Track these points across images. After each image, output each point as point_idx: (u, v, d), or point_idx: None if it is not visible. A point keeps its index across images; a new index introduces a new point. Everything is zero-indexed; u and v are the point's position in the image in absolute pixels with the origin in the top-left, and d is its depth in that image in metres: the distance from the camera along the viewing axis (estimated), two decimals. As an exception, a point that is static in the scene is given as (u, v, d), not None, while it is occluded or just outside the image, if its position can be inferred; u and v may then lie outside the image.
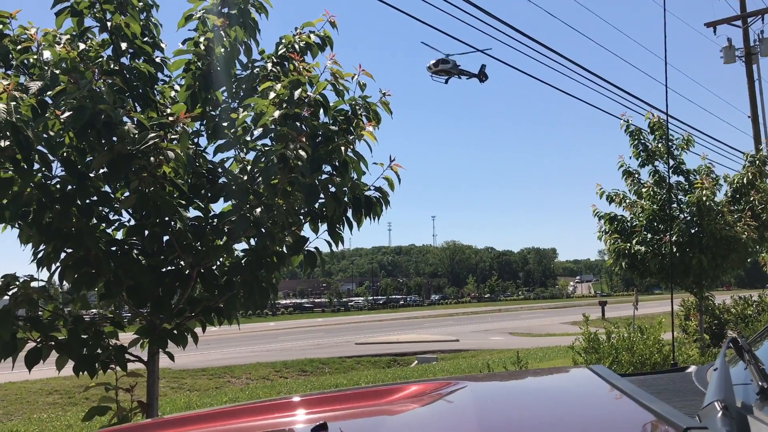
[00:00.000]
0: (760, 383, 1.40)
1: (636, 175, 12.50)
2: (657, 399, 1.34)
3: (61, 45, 4.18)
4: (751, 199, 11.88)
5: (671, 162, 12.20)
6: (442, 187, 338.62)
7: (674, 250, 11.35)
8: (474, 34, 10.24)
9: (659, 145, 12.10)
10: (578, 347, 8.96)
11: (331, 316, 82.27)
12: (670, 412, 1.22)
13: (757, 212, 11.73)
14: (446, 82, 44.01)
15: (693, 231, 11.48)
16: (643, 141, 12.22)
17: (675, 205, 12.01)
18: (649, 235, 11.82)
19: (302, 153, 3.85)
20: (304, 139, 3.90)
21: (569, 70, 12.84)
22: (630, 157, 12.45)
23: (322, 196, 4.26)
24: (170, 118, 3.72)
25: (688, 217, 11.67)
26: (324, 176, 4.25)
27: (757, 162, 12.18)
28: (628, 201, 12.38)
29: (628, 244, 11.91)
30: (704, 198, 11.17)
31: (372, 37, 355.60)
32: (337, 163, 4.23)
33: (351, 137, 4.30)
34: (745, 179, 12.01)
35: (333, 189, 4.16)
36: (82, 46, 4.25)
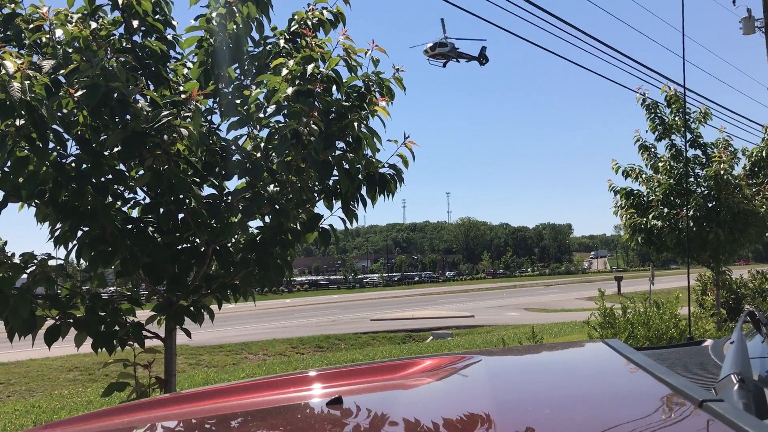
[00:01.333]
0: None
1: (652, 149, 12.40)
2: (673, 372, 1.33)
3: (73, 24, 4.18)
4: (771, 172, 11.75)
5: (688, 135, 12.06)
6: (457, 164, 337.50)
7: (691, 224, 11.26)
8: (486, 7, 10.10)
9: (676, 119, 11.97)
10: (594, 322, 8.96)
11: (347, 293, 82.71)
12: (687, 385, 1.21)
13: (776, 186, 11.60)
14: (444, 65, 43.18)
15: (710, 205, 11.37)
16: (659, 114, 12.09)
17: (692, 179, 11.90)
18: (666, 210, 11.74)
19: (315, 129, 3.84)
20: (317, 115, 3.88)
21: (584, 42, 12.66)
22: (646, 131, 12.34)
23: (335, 173, 4.26)
24: (183, 96, 3.71)
25: (706, 191, 11.57)
26: (337, 153, 4.24)
27: (778, 134, 12.02)
28: (644, 175, 12.29)
29: (645, 219, 11.84)
30: (722, 171, 11.06)
31: (385, 12, 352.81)
32: (350, 140, 4.21)
33: (364, 113, 4.28)
34: (764, 152, 11.86)
35: (346, 165, 4.15)
36: (93, 24, 4.24)
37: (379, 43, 4.66)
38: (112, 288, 5.17)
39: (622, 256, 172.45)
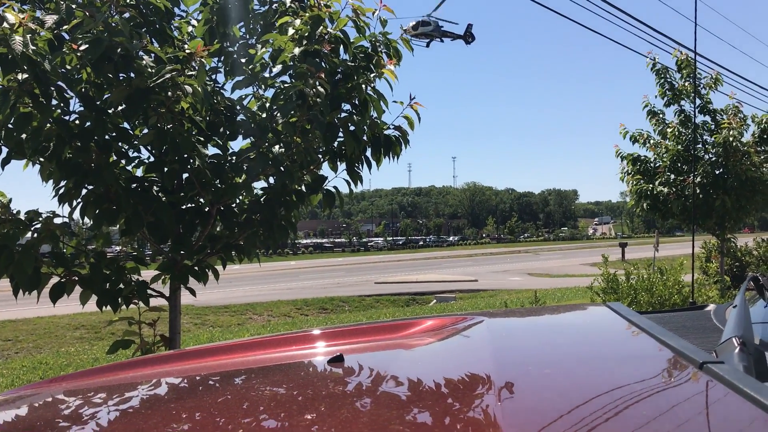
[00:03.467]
0: None
1: (661, 115, 12.27)
2: (674, 335, 1.33)
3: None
4: (780, 139, 11.64)
5: (698, 102, 11.92)
6: (463, 128, 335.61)
7: (697, 191, 11.20)
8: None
9: (686, 84, 11.82)
10: (597, 288, 8.98)
11: (351, 256, 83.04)
12: (687, 347, 1.21)
13: (785, 153, 11.51)
14: (427, 45, 42.14)
15: (717, 172, 11.30)
16: (669, 80, 11.93)
17: (700, 146, 11.81)
18: (673, 176, 11.67)
19: (321, 90, 3.80)
20: (323, 77, 3.84)
21: (593, 5, 12.48)
22: (655, 97, 12.20)
23: (341, 134, 4.23)
24: (187, 52, 3.66)
25: (713, 158, 11.48)
26: (343, 114, 4.20)
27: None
28: (652, 141, 12.18)
29: (651, 185, 11.77)
30: (731, 138, 10.96)
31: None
32: (357, 102, 4.17)
33: (372, 75, 4.23)
34: (774, 119, 11.74)
35: (352, 128, 4.12)
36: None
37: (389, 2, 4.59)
38: (117, 247, 5.19)
39: (627, 223, 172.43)
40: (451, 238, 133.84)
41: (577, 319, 1.89)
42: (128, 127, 4.23)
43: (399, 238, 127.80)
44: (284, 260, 71.20)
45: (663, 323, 1.73)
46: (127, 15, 4.29)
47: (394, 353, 1.62)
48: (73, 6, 3.85)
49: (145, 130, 4.06)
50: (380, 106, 4.27)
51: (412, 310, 22.35)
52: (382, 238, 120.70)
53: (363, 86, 4.07)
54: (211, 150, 4.55)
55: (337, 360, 1.43)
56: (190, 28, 4.50)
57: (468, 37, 42.55)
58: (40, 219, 4.02)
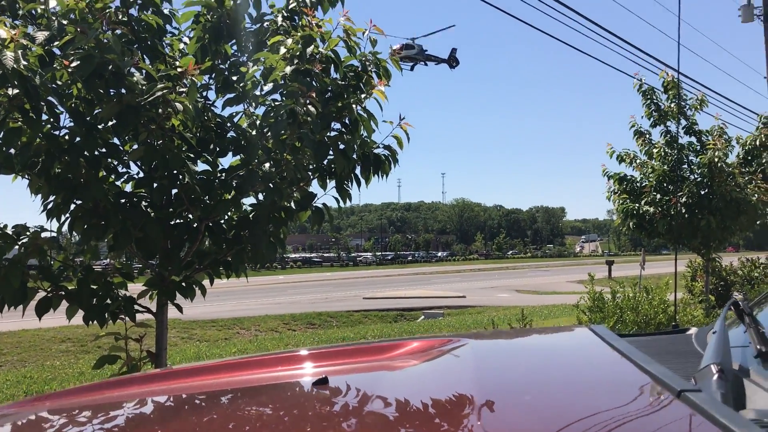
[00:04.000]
0: (758, 346, 1.41)
1: (647, 135, 12.40)
2: (653, 361, 1.36)
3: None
4: (764, 161, 11.78)
5: (683, 122, 12.07)
6: (453, 145, 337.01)
7: (683, 211, 11.31)
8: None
9: (672, 105, 11.97)
10: (583, 306, 9.02)
11: (340, 271, 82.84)
12: (666, 374, 1.23)
13: (769, 174, 11.65)
14: (411, 69, 42.01)
15: (703, 192, 11.42)
16: (655, 101, 12.08)
17: (686, 166, 11.94)
18: (659, 196, 11.78)
19: (312, 109, 3.84)
20: (314, 95, 3.87)
21: (581, 26, 12.63)
22: (642, 117, 12.35)
23: (331, 152, 4.26)
24: (179, 70, 3.69)
25: (699, 179, 11.60)
26: (334, 133, 4.24)
27: (771, 123, 12.04)
28: (638, 161, 12.30)
29: (637, 205, 11.88)
30: (716, 159, 11.08)
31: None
32: (347, 121, 4.21)
33: (363, 96, 4.27)
34: (758, 141, 11.89)
35: (342, 146, 4.15)
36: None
37: (377, 22, 4.65)
38: (105, 261, 5.18)
39: (614, 241, 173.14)
40: (439, 254, 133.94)
41: (560, 343, 1.91)
42: (118, 142, 4.25)
43: (388, 253, 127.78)
44: (273, 275, 70.93)
45: (644, 347, 1.76)
46: (119, 32, 4.33)
47: (379, 375, 1.64)
48: (65, 22, 3.88)
49: (136, 146, 4.07)
50: (370, 126, 4.31)
51: (400, 326, 22.30)
52: (371, 253, 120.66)
53: (354, 106, 4.11)
54: (202, 166, 4.58)
55: (321, 382, 1.45)
56: (181, 45, 4.53)
57: (452, 61, 42.43)
58: (28, 233, 4.02)
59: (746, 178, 11.64)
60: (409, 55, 40.88)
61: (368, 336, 18.39)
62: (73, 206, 4.01)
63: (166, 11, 4.67)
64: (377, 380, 1.57)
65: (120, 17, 4.38)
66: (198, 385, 1.67)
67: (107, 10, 4.30)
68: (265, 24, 4.88)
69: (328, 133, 4.22)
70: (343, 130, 4.22)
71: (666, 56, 13.54)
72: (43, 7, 4.06)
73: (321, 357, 1.88)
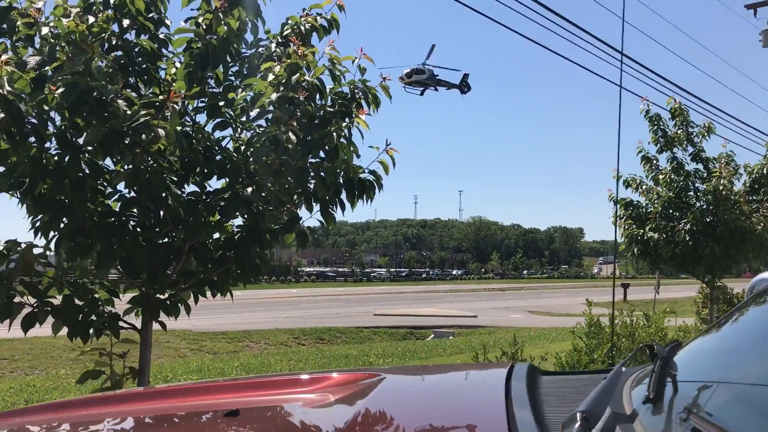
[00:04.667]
0: (647, 392, 1.46)
1: (654, 161, 12.38)
2: (527, 408, 1.40)
3: (71, 18, 4.27)
4: (770, 189, 11.71)
5: (690, 149, 12.03)
6: (470, 163, 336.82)
7: (687, 238, 11.26)
8: (495, 6, 10.15)
9: (679, 132, 11.95)
10: (579, 331, 9.03)
11: (353, 286, 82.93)
12: (526, 421, 1.29)
13: (775, 204, 11.56)
14: (422, 93, 41.32)
15: (708, 220, 11.36)
16: (662, 127, 12.06)
17: (692, 193, 11.89)
18: (663, 222, 11.74)
19: (292, 136, 3.94)
20: (295, 123, 3.98)
21: (598, 49, 12.69)
22: (648, 143, 12.32)
23: (312, 178, 4.36)
24: (161, 97, 3.82)
25: (704, 206, 11.55)
26: (316, 160, 4.33)
27: (778, 152, 11.97)
28: (644, 186, 12.28)
29: (642, 231, 11.84)
30: (721, 187, 11.04)
31: (385, 14, 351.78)
32: (328, 148, 4.30)
33: (344, 124, 4.37)
34: (765, 169, 11.82)
35: (323, 173, 4.25)
36: (92, 19, 4.34)
37: (379, 46, 4.77)
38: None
39: (631, 263, 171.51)
40: (454, 272, 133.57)
41: (459, 383, 1.97)
42: (111, 163, 4.37)
43: (402, 269, 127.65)
44: (286, 287, 71.17)
45: (564, 387, 1.82)
46: (113, 56, 4.47)
47: (289, 409, 1.72)
48: (63, 45, 4.01)
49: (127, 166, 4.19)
50: (350, 153, 4.40)
51: (407, 345, 22.31)
52: (385, 269, 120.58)
53: (335, 134, 4.20)
54: (192, 188, 4.69)
55: (232, 414, 1.52)
56: (173, 70, 4.66)
57: (464, 86, 41.87)
58: (19, 249, 4.15)
59: (753, 207, 11.57)
60: (419, 80, 40.31)
61: (371, 354, 18.42)
62: (62, 225, 4.13)
63: (162, 36, 4.82)
64: (287, 415, 1.64)
65: (114, 42, 4.53)
66: (122, 411, 1.75)
67: (103, 34, 4.46)
68: (261, 49, 5.01)
69: (311, 160, 4.31)
70: (324, 156, 4.31)
71: (675, 77, 13.52)
72: (45, 30, 4.21)
73: (239, 388, 1.96)
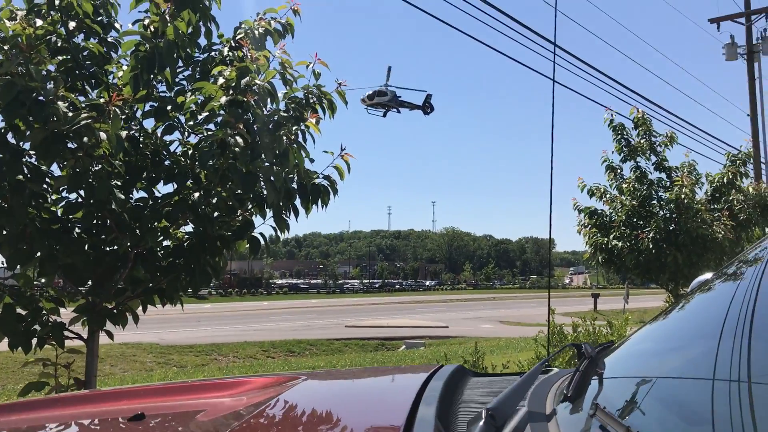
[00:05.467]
0: (564, 390, 1.43)
1: (618, 170, 12.50)
2: (434, 405, 1.36)
3: (17, 21, 4.17)
4: (731, 198, 11.87)
5: (654, 158, 12.18)
6: (443, 173, 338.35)
7: (650, 246, 11.36)
8: (471, 23, 10.21)
9: (642, 141, 12.10)
10: (542, 339, 9.03)
11: (326, 298, 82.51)
12: (427, 420, 1.24)
13: (735, 212, 11.72)
14: (384, 115, 41.08)
15: (670, 228, 11.48)
16: (626, 136, 12.20)
17: (655, 202, 12.02)
18: (627, 231, 11.84)
19: (239, 140, 3.87)
20: (242, 126, 3.91)
21: (566, 61, 12.83)
22: (612, 152, 12.44)
23: (263, 183, 4.29)
24: (101, 100, 3.73)
25: (667, 215, 11.68)
26: (266, 164, 4.26)
27: (738, 161, 12.15)
28: (608, 195, 12.38)
29: (606, 239, 11.93)
30: (682, 196, 11.17)
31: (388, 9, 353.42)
32: (277, 152, 4.24)
33: (294, 128, 4.31)
34: (725, 178, 12.00)
35: (272, 178, 4.18)
36: (39, 22, 4.24)
37: (363, 41, 4.73)
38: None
39: (602, 274, 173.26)
40: (428, 283, 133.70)
41: (380, 383, 1.93)
42: (55, 168, 4.26)
43: (376, 280, 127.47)
44: (257, 300, 70.59)
45: (488, 388, 1.77)
46: (60, 58, 4.37)
47: (199, 413, 1.65)
48: (7, 47, 3.90)
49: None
50: (301, 158, 4.34)
51: (376, 356, 22.19)
52: (358, 281, 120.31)
53: (284, 138, 4.14)
54: (141, 194, 4.59)
55: (137, 418, 1.46)
56: (120, 73, 4.57)
57: (427, 107, 41.67)
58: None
59: (715, 215, 11.71)
60: (381, 102, 39.88)
61: (338, 366, 18.27)
62: (4, 231, 4.00)
63: (111, 39, 4.73)
64: (193, 417, 1.58)
65: (62, 44, 4.43)
66: (30, 418, 1.67)
67: (49, 37, 4.35)
68: (214, 53, 4.94)
69: (262, 164, 4.24)
70: (273, 161, 4.25)
71: (640, 88, 13.72)
72: None
73: (156, 393, 1.89)
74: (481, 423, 1.16)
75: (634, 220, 11.99)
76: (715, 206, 12.02)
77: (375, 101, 40.15)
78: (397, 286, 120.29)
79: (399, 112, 41.93)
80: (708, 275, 2.31)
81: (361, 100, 40.35)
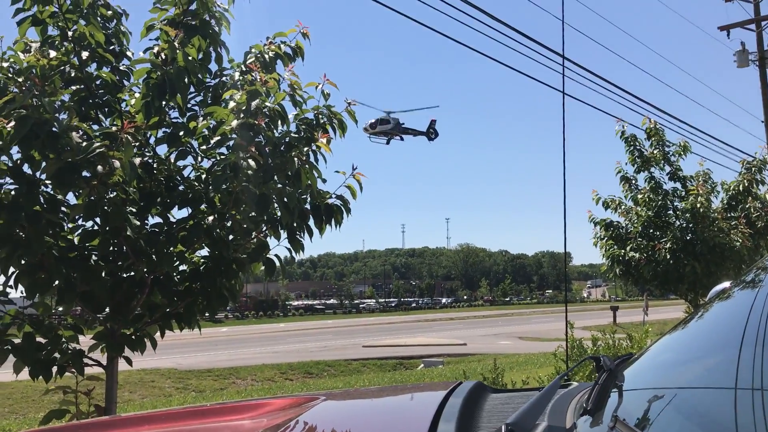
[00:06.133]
0: (584, 404, 1.42)
1: (633, 181, 12.45)
2: (455, 421, 1.36)
3: (31, 53, 4.24)
4: (747, 206, 11.78)
5: (668, 168, 12.11)
6: (457, 189, 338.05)
7: (668, 257, 11.27)
8: (480, 39, 10.25)
9: (655, 152, 12.04)
10: (561, 354, 8.96)
11: (342, 318, 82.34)
12: None
13: (753, 220, 11.62)
14: (387, 143, 40.55)
15: (687, 238, 11.40)
16: (638, 147, 12.15)
17: (671, 212, 11.94)
18: (644, 242, 11.77)
19: (252, 163, 3.90)
20: (254, 149, 3.94)
21: (575, 73, 12.83)
22: (625, 164, 12.40)
23: (276, 204, 4.31)
24: (113, 128, 3.77)
25: (683, 224, 11.60)
26: (279, 186, 4.29)
27: (753, 168, 12.07)
28: (623, 207, 12.32)
29: (623, 251, 11.85)
30: (698, 205, 11.09)
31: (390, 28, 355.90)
32: (290, 174, 4.26)
33: (306, 149, 4.34)
34: (741, 186, 11.91)
35: (286, 199, 4.20)
36: (53, 53, 4.31)
37: (373, 58, 4.77)
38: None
39: (620, 286, 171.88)
40: (444, 300, 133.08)
41: (400, 401, 1.92)
42: (71, 197, 4.30)
43: (391, 299, 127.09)
44: (273, 322, 70.61)
45: (506, 404, 1.76)
46: (73, 88, 4.43)
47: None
48: (20, 79, 3.96)
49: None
50: (314, 178, 4.36)
51: (394, 375, 22.08)
52: (374, 300, 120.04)
53: (296, 160, 4.16)
54: (156, 220, 4.62)
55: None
56: (132, 101, 4.63)
57: (431, 133, 41.21)
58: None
59: (732, 224, 11.62)
60: (384, 130, 39.35)
61: (357, 385, 18.20)
62: (24, 261, 4.04)
63: (123, 67, 4.80)
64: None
65: (75, 74, 4.49)
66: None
67: (62, 67, 4.42)
68: (225, 78, 5.00)
69: (274, 186, 4.26)
70: (286, 182, 4.27)
71: (651, 98, 13.68)
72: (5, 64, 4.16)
73: (179, 417, 1.89)
74: (500, 438, 1.15)
75: (651, 230, 11.92)
76: (732, 214, 11.93)
77: (377, 129, 39.70)
78: (414, 305, 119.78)
79: (402, 139, 41.46)
80: (726, 284, 2.29)
81: (364, 129, 39.78)
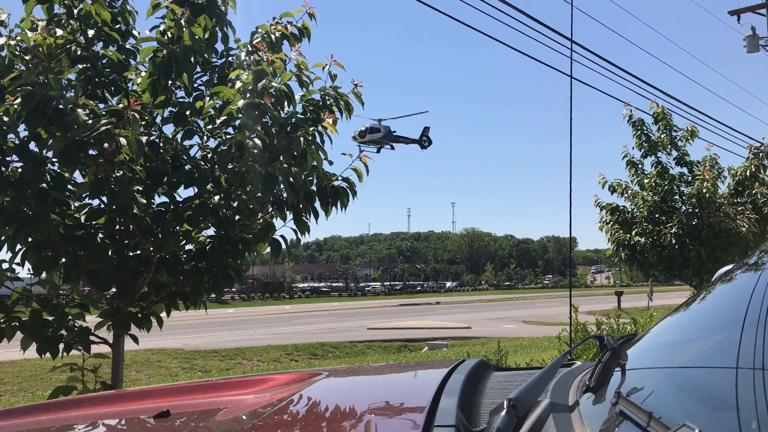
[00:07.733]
0: (587, 381, 1.42)
1: (640, 166, 12.40)
2: (456, 397, 1.36)
3: (38, 31, 4.23)
4: (754, 191, 11.73)
5: (675, 153, 12.06)
6: (463, 173, 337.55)
7: (673, 242, 11.25)
8: (489, 22, 10.18)
9: (662, 136, 11.98)
10: (565, 338, 8.98)
11: (347, 301, 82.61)
12: (449, 409, 1.25)
13: (759, 205, 11.58)
14: (378, 151, 39.22)
15: (693, 223, 11.37)
16: (645, 132, 12.09)
17: (677, 197, 11.90)
18: (650, 226, 11.75)
19: (258, 142, 3.90)
20: (260, 129, 3.94)
21: (583, 57, 12.73)
22: (632, 148, 12.34)
23: (282, 185, 4.31)
24: (120, 106, 3.77)
25: (689, 209, 11.57)
26: (284, 166, 4.29)
27: (761, 154, 12.00)
28: (630, 191, 12.29)
29: (628, 236, 11.83)
30: (704, 190, 11.05)
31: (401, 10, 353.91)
32: (295, 153, 4.26)
33: (312, 129, 4.33)
34: (748, 172, 11.86)
35: (292, 179, 4.20)
36: (60, 32, 4.30)
37: (381, 42, 4.75)
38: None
39: (625, 271, 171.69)
40: (449, 284, 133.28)
41: (403, 377, 1.93)
42: (77, 176, 4.31)
43: (397, 283, 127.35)
44: (279, 304, 70.92)
45: (509, 381, 1.77)
46: (80, 66, 4.43)
47: (222, 409, 1.67)
48: (27, 57, 3.96)
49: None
50: (320, 158, 4.36)
51: (403, 356, 22.18)
52: (379, 283, 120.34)
53: (302, 139, 4.16)
54: (163, 199, 4.64)
55: (163, 415, 1.48)
56: (139, 80, 4.62)
57: (423, 141, 40.15)
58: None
59: (739, 209, 11.59)
60: (374, 138, 38.19)
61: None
62: (30, 238, 4.06)
63: (129, 46, 4.79)
64: (217, 413, 1.60)
65: (81, 53, 4.49)
66: (52, 419, 1.70)
67: (69, 46, 4.42)
68: (231, 58, 4.98)
69: (280, 166, 4.26)
70: (292, 162, 4.27)
71: (660, 83, 13.58)
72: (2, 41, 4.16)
73: (179, 392, 1.91)
74: (503, 413, 1.16)
75: (656, 215, 11.89)
76: (738, 200, 11.89)
77: (367, 138, 38.61)
78: (418, 288, 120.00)
79: (393, 148, 40.54)
80: (731, 266, 2.29)
81: (352, 138, 38.73)
